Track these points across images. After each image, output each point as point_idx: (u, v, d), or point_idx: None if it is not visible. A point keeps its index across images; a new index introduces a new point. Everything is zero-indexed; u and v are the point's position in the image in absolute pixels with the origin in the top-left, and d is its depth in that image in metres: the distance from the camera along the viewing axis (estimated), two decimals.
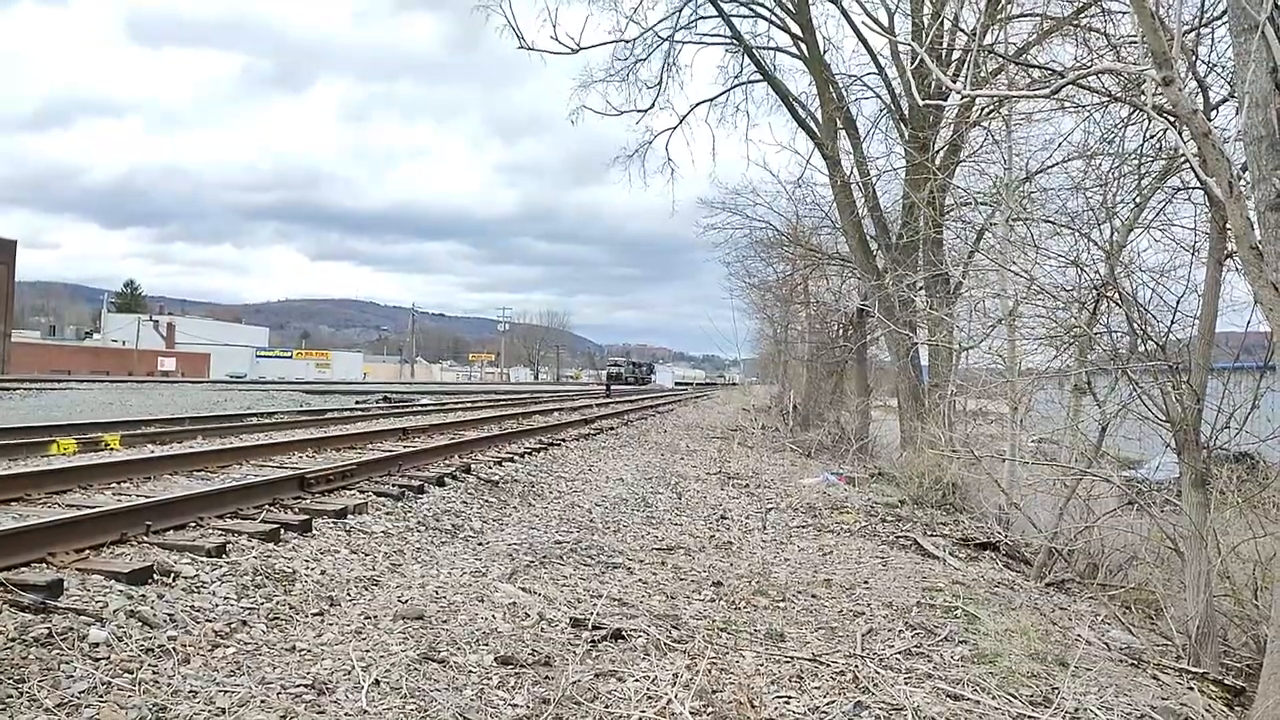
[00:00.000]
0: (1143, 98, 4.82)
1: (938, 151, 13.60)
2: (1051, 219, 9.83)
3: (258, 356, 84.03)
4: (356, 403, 21.88)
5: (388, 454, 9.00)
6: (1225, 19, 4.67)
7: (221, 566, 4.48)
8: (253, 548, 4.95)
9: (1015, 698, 3.85)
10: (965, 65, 10.49)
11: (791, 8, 16.79)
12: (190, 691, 3.12)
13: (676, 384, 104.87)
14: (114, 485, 6.65)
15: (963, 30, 12.58)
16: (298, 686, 3.27)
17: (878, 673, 4.00)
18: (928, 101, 9.69)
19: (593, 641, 4.12)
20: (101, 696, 2.98)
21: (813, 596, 5.61)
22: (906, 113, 14.90)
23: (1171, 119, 5.41)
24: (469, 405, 22.52)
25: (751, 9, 17.67)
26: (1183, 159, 6.86)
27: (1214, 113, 6.54)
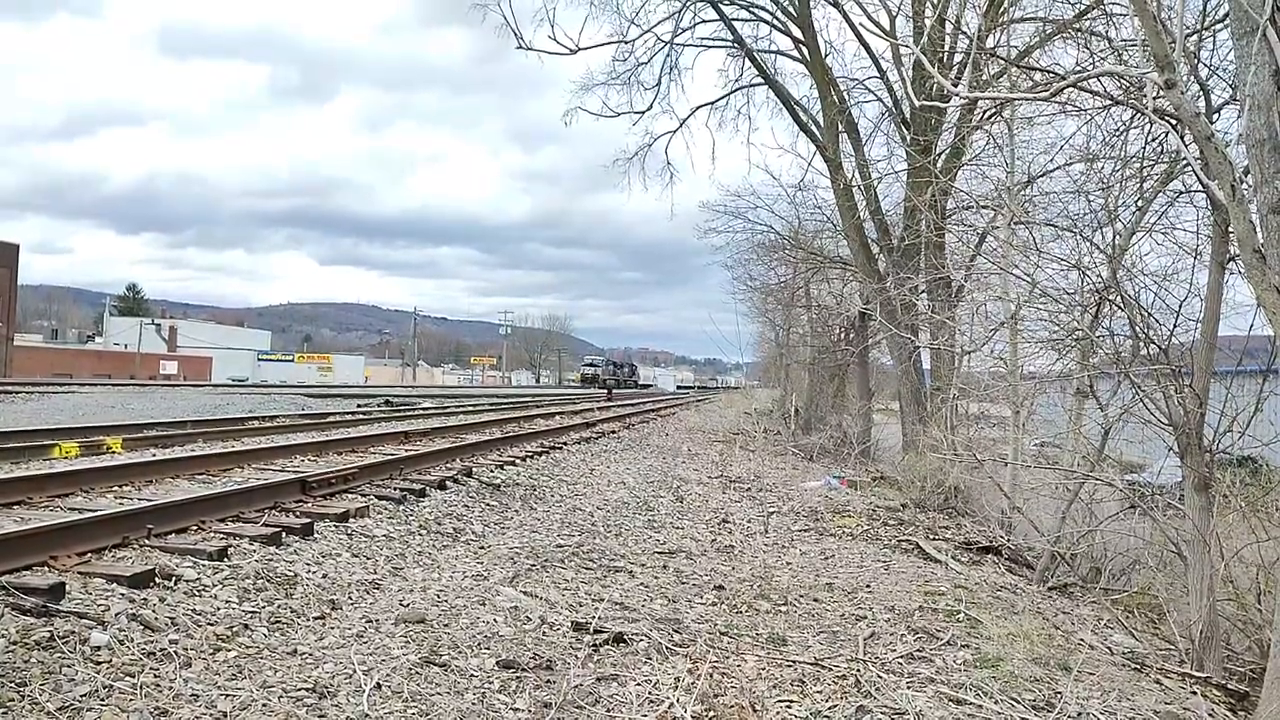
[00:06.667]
0: (1145, 101, 4.82)
1: (939, 155, 13.60)
2: (1053, 222, 9.83)
3: (260, 360, 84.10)
4: (358, 406, 21.89)
5: (389, 457, 9.00)
6: (1227, 22, 4.67)
7: (223, 570, 4.48)
8: (254, 551, 4.95)
9: (1018, 702, 3.84)
10: (966, 68, 10.49)
11: (793, 11, 16.81)
12: (191, 695, 3.12)
13: (678, 387, 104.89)
14: (116, 488, 6.65)
15: (964, 33, 12.59)
16: (299, 690, 3.27)
17: (880, 677, 3.99)
18: (927, 104, 9.68)
19: (594, 645, 4.12)
20: (103, 700, 2.98)
21: (815, 600, 5.60)
22: (908, 116, 14.91)
23: (1174, 122, 5.41)
24: (470, 409, 22.52)
25: (752, 12, 17.71)
26: (1185, 162, 6.85)
27: (1216, 116, 6.53)
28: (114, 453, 9.48)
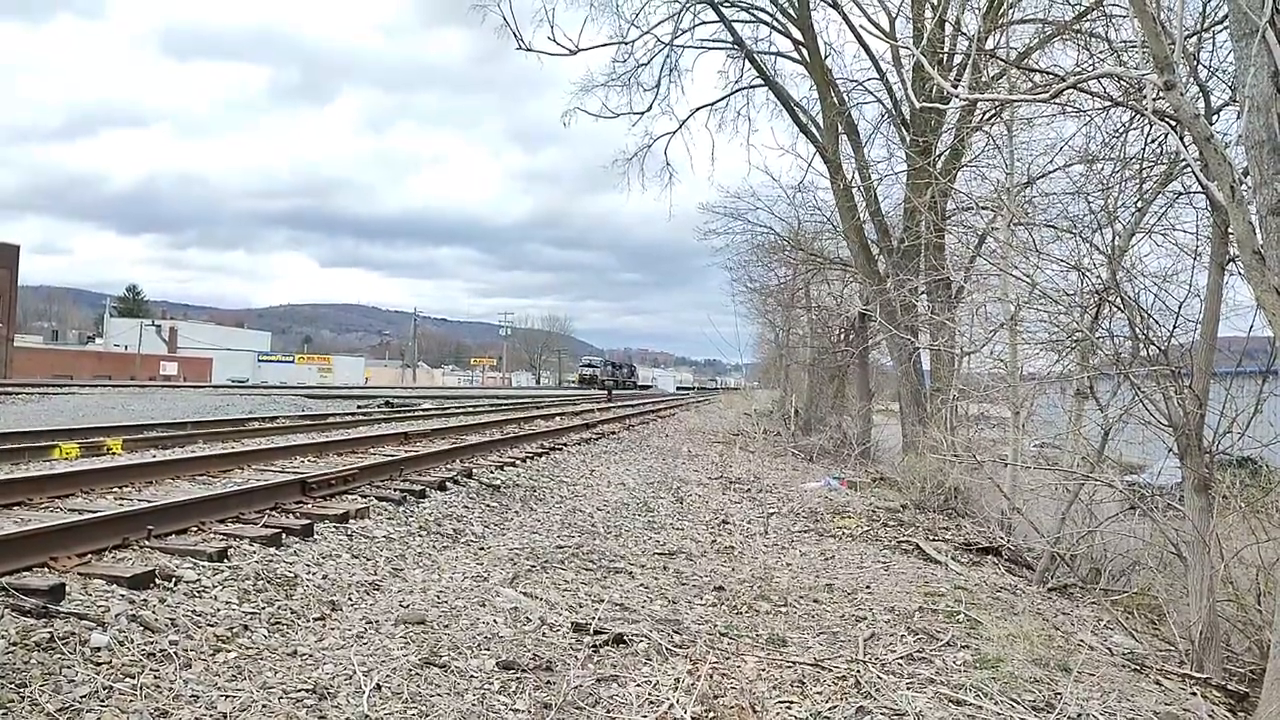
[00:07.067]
0: (1144, 102, 4.83)
1: (939, 156, 13.62)
2: (1053, 223, 9.83)
3: (260, 361, 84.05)
4: (358, 407, 21.88)
5: (389, 458, 9.00)
6: (1226, 23, 4.67)
7: (223, 571, 4.48)
8: (254, 552, 4.95)
9: (1018, 703, 3.84)
10: (966, 70, 10.51)
11: (792, 13, 16.83)
12: (192, 696, 3.12)
13: (678, 388, 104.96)
14: (116, 489, 6.66)
15: (964, 34, 12.61)
16: (299, 691, 3.27)
17: (880, 678, 3.99)
18: (927, 105, 9.69)
19: (594, 646, 4.12)
20: (103, 701, 2.98)
21: (814, 601, 5.60)
22: (908, 117, 14.92)
23: (1173, 123, 5.41)
24: (470, 410, 22.52)
25: (752, 14, 17.73)
26: (1184, 163, 6.85)
27: (1215, 117, 6.53)
28: (114, 454, 9.48)
